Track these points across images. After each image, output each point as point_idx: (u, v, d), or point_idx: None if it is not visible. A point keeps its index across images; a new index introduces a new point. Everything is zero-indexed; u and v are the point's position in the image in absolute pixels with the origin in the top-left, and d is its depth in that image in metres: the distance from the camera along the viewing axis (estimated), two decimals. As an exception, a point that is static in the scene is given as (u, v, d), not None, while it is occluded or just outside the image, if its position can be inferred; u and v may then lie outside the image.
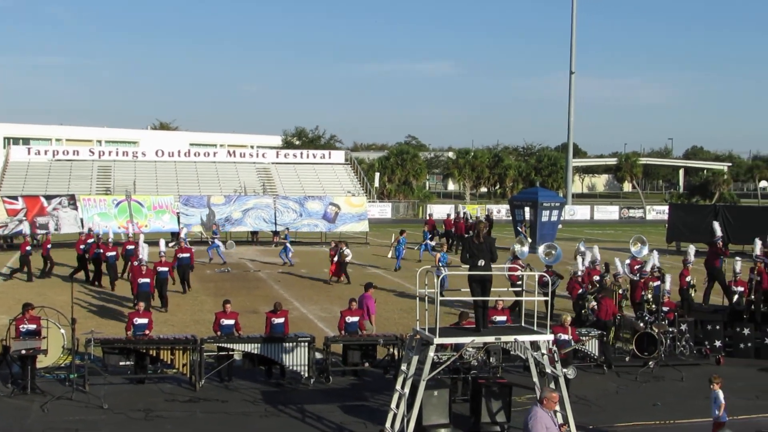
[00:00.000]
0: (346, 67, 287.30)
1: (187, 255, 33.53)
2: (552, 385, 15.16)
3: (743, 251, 29.84)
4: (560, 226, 56.67)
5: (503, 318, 21.02)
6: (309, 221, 53.31)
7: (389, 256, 40.98)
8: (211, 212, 52.27)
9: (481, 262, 15.40)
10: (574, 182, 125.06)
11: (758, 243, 27.58)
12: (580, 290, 25.79)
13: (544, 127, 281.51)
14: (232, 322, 20.89)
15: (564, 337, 20.04)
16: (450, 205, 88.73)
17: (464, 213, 56.72)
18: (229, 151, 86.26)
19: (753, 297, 25.02)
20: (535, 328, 15.65)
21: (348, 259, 36.21)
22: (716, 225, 31.49)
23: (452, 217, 55.17)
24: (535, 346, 15.35)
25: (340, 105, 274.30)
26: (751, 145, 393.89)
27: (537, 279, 17.33)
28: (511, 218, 54.12)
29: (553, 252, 26.36)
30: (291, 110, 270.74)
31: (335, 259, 36.49)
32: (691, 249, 29.45)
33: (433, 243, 46.34)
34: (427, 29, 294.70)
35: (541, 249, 26.75)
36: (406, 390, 15.26)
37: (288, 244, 43.30)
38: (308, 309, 29.92)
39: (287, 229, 48.04)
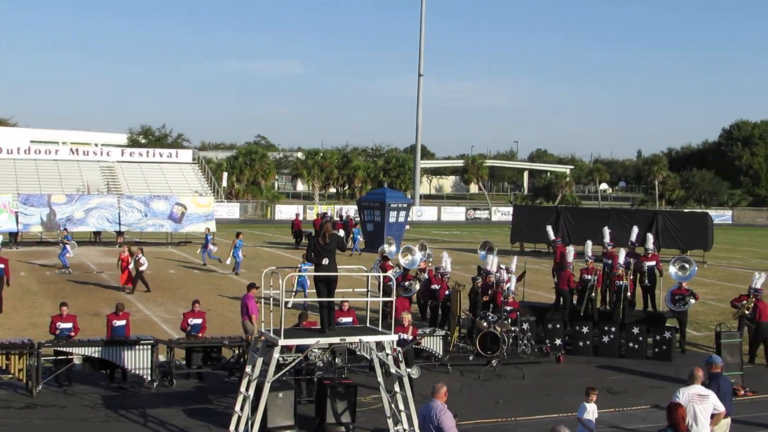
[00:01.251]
0: (194, 65, 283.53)
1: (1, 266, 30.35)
2: (396, 386, 15.35)
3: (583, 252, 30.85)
4: (408, 227, 57.44)
5: (349, 319, 20.99)
6: (154, 221, 52.41)
7: (227, 262, 39.76)
8: (51, 211, 50.76)
9: (326, 261, 15.33)
10: (422, 183, 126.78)
11: (589, 244, 28.40)
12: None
13: (393, 128, 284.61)
14: (69, 325, 20.32)
15: (404, 336, 20.28)
16: (299, 205, 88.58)
17: (341, 212, 56.86)
18: (72, 149, 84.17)
19: (591, 296, 25.71)
20: (380, 329, 15.69)
21: (143, 268, 34.05)
22: (549, 228, 32.20)
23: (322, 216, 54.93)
24: (380, 346, 15.40)
25: (187, 103, 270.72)
26: (593, 148, 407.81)
27: (382, 280, 17.45)
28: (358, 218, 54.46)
29: (410, 256, 26.85)
30: (137, 108, 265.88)
31: (130, 266, 34.08)
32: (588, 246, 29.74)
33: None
34: (276, 28, 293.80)
35: (398, 252, 27.56)
36: (251, 392, 15.18)
37: (68, 245, 40.71)
38: (152, 311, 29.45)
39: (65, 229, 45.65)
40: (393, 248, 28.39)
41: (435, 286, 26.38)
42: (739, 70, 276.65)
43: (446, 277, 25.95)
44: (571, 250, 27.30)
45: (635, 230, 30.24)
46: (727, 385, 14.12)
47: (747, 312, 23.67)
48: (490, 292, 24.69)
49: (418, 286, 26.25)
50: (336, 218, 52.84)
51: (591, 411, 13.83)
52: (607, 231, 29.43)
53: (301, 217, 59.43)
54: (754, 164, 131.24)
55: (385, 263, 27.69)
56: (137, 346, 19.52)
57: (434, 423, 11.75)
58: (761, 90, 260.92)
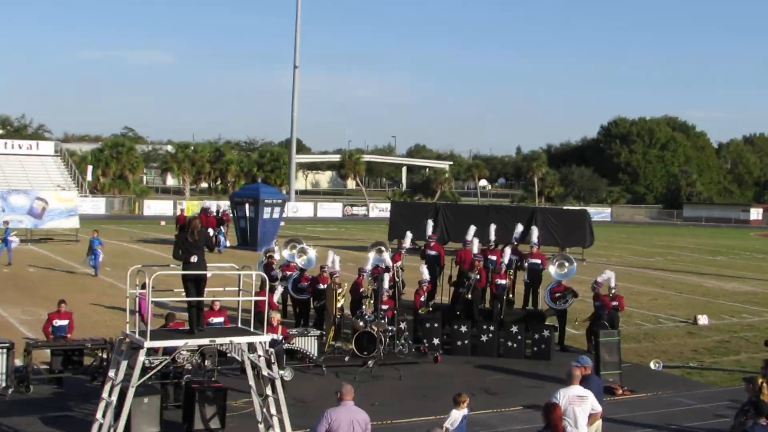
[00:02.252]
0: (57, 53, 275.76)
1: None
2: (268, 389, 15.02)
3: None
4: (282, 223, 56.83)
5: (221, 319, 20.55)
6: (13, 217, 50.53)
7: (84, 260, 38.62)
8: None
9: (194, 259, 14.90)
10: (298, 179, 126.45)
11: (476, 241, 28.05)
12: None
13: (267, 122, 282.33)
14: (65, 322, 19.93)
15: (275, 336, 20.04)
16: (169, 201, 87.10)
17: (219, 208, 55.67)
18: None
19: (470, 296, 25.59)
20: (252, 329, 15.34)
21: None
22: (429, 222, 31.81)
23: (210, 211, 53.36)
24: (251, 347, 15.06)
25: (49, 93, 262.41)
26: (471, 144, 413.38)
27: (258, 279, 17.04)
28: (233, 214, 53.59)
29: (305, 256, 26.73)
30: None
31: None
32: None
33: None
34: (144, 16, 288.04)
35: (285, 251, 27.80)
36: (114, 398, 14.57)
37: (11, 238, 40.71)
38: (9, 312, 28.30)
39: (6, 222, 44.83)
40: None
41: (321, 286, 25.81)
42: (618, 68, 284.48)
43: (335, 276, 25.38)
44: (475, 242, 27.36)
45: (519, 227, 30.28)
46: (598, 385, 14.20)
47: (587, 320, 25.01)
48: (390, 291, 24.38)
49: (281, 288, 25.83)
50: (213, 212, 51.66)
51: (456, 419, 13.52)
52: (493, 228, 29.29)
53: (186, 213, 58.05)
54: (633, 161, 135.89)
55: (271, 260, 27.27)
56: (-10, 350, 18.66)
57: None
58: (639, 88, 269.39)
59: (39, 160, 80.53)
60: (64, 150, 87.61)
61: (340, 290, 24.86)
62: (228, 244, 50.58)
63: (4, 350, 18.85)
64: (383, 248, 26.48)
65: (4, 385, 18.73)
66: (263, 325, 15.91)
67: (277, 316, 21.02)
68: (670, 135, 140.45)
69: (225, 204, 60.77)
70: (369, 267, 25.45)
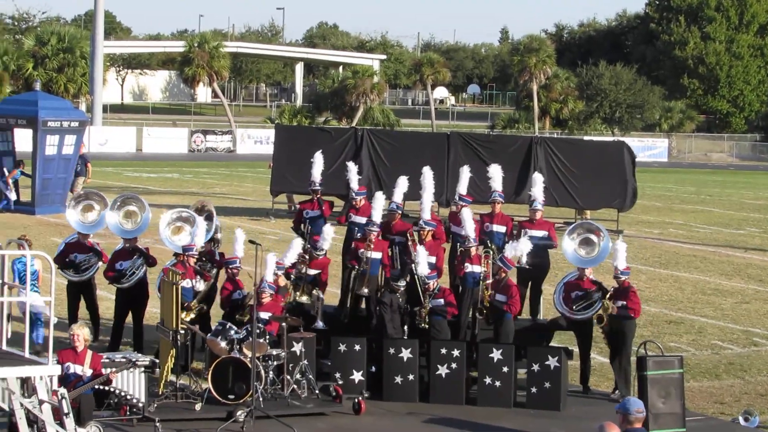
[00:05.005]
0: None
1: None
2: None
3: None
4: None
5: None
6: None
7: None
8: None
9: None
10: (108, 84, 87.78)
11: (427, 201, 20.26)
12: None
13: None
14: None
15: (77, 368, 15.03)
16: None
17: None
18: None
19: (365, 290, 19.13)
20: (27, 354, 12.81)
21: None
22: (351, 167, 23.17)
23: None
24: (26, 387, 12.65)
25: None
26: (419, 26, 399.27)
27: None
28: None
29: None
30: None
31: None
32: None
33: None
34: None
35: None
36: None
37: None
38: None
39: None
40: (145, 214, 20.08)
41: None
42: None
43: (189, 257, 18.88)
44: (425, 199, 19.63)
45: (498, 173, 21.07)
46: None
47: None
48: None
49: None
50: None
51: None
52: (465, 172, 20.50)
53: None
54: (709, 56, 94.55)
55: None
56: None
57: None
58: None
59: None
60: None
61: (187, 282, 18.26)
62: (14, 197, 36.41)
63: None
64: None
65: None
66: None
67: (82, 333, 15.58)
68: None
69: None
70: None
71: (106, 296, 21.04)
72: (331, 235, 18.53)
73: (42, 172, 35.06)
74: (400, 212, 19.86)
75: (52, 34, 74.95)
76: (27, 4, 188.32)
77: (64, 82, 70.76)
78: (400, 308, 17.78)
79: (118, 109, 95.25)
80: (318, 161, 20.75)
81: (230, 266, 18.14)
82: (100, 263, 19.15)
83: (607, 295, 18.28)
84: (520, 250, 18.31)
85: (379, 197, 19.13)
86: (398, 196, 19.91)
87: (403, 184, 20.13)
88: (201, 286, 18.68)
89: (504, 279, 17.76)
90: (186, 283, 17.85)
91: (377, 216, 19.02)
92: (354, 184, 20.26)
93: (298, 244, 18.35)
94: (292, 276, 18.24)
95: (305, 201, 20.63)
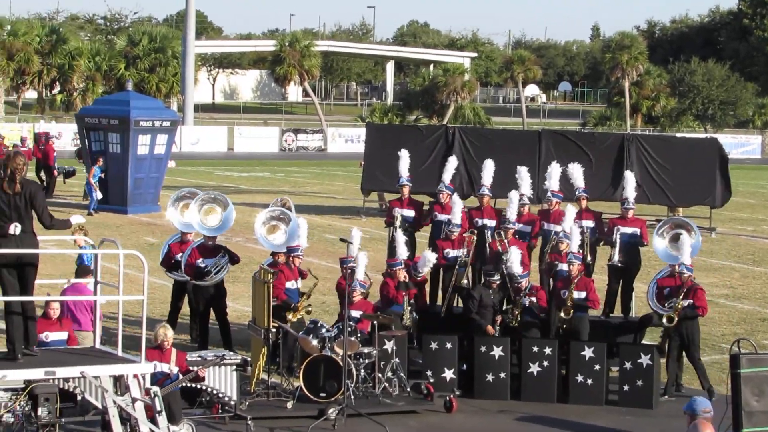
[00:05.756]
0: None
1: None
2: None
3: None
4: (172, 163, 42.30)
5: (64, 335, 15.25)
6: None
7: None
8: None
9: (14, 229, 11.56)
10: (200, 83, 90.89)
11: (514, 197, 20.13)
12: None
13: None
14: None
15: (165, 367, 14.07)
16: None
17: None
18: None
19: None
20: (120, 353, 12.69)
21: None
22: (452, 160, 23.26)
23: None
24: (120, 385, 12.57)
25: None
26: (510, 23, 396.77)
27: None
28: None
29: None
30: None
31: None
32: None
33: None
34: None
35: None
36: None
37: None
38: None
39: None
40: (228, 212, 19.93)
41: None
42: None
43: (296, 257, 19.06)
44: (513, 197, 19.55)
45: (578, 171, 21.02)
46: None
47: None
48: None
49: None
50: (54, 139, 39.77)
51: None
52: (556, 168, 20.46)
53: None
54: None
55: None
56: None
57: None
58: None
59: None
60: None
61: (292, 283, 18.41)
62: (100, 196, 35.92)
63: None
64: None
65: None
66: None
67: (168, 335, 15.55)
68: None
69: (67, 128, 47.55)
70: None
71: (165, 285, 20.86)
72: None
73: (134, 171, 35.06)
74: (489, 194, 19.92)
75: (144, 34, 75.66)
76: (119, 4, 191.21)
77: (155, 82, 71.44)
78: (494, 305, 17.83)
79: (209, 109, 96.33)
80: (404, 158, 20.66)
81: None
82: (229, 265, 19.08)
83: (681, 295, 18.08)
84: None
85: (514, 196, 19.25)
86: (487, 178, 20.14)
87: (490, 166, 20.46)
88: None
89: (579, 275, 17.69)
90: (291, 284, 17.96)
91: (457, 217, 19.12)
92: (447, 176, 20.36)
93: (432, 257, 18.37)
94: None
95: (395, 199, 20.58)
